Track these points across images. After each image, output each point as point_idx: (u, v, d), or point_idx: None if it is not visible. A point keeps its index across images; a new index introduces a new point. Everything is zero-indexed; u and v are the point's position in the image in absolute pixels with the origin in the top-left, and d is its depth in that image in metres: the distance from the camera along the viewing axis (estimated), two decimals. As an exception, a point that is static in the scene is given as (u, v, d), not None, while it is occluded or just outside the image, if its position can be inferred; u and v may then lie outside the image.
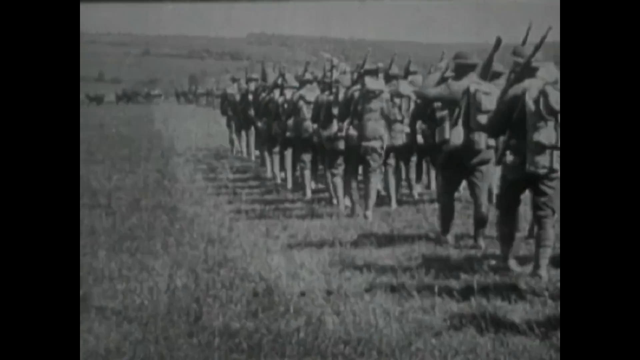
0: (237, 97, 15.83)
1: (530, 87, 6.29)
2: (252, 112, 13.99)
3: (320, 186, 11.51)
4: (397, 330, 5.16)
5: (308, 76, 11.02)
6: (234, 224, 8.94)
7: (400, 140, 9.59)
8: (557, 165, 6.20)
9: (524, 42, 6.40)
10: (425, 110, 7.97)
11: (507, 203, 6.61)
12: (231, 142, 17.08)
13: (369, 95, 8.85)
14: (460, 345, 4.88)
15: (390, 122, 8.91)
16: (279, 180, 12.45)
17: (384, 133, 8.88)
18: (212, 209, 10.15)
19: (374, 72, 9.02)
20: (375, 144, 8.90)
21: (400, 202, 9.99)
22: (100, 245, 7.63)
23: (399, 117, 9.53)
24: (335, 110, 9.38)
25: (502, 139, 6.63)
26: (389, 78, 9.47)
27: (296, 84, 11.49)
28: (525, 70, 6.35)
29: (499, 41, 6.65)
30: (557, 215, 6.31)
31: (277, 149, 12.26)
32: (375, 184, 9.10)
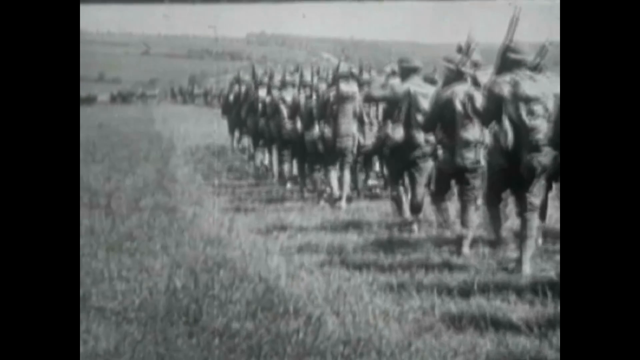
0: (231, 98, 16.50)
1: (459, 91, 7.06)
2: (243, 111, 14.77)
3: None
4: (397, 330, 5.16)
5: (290, 78, 11.72)
6: (233, 225, 8.94)
7: (370, 140, 9.99)
8: (480, 158, 7.03)
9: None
10: (393, 111, 8.23)
11: (442, 191, 7.35)
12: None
13: (342, 97, 9.61)
14: (459, 345, 4.88)
15: (362, 123, 9.57)
16: (264, 169, 13.34)
17: (356, 132, 9.64)
18: (211, 210, 10.15)
19: (346, 76, 9.77)
20: (348, 142, 9.69)
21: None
22: (100, 245, 7.63)
23: (368, 119, 9.99)
24: (315, 112, 10.14)
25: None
26: (361, 82, 9.96)
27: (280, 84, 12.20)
28: (455, 75, 7.13)
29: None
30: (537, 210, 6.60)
31: (262, 143, 13.24)
32: (348, 178, 9.93)
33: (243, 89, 15.15)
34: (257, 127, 13.02)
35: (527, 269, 6.41)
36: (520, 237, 6.53)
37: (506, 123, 6.32)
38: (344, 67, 9.86)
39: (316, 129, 10.00)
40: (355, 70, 10.18)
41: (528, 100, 6.35)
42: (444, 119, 7.17)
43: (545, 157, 6.35)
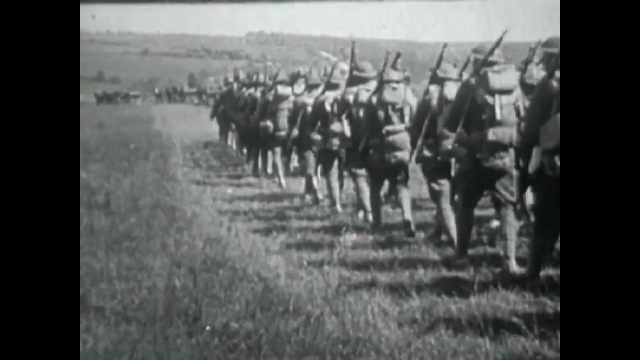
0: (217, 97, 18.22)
1: (434, 92, 7.23)
2: (233, 110, 16.25)
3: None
4: (396, 330, 5.16)
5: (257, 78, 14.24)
6: (232, 224, 8.94)
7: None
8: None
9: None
10: (342, 112, 8.85)
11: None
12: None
13: (279, 99, 11.84)
14: (459, 345, 4.88)
15: (294, 120, 10.91)
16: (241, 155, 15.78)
17: (287, 127, 11.23)
18: (210, 209, 10.16)
19: (284, 82, 12.23)
20: (283, 134, 11.56)
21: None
22: (99, 245, 7.62)
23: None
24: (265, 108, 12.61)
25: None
26: (310, 86, 10.95)
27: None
28: (434, 79, 7.41)
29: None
30: (517, 206, 6.63)
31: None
32: (280, 161, 12.25)
33: (234, 87, 16.55)
34: (240, 122, 14.80)
35: (514, 266, 6.36)
36: (500, 235, 6.54)
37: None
38: (282, 74, 12.61)
39: (267, 122, 12.31)
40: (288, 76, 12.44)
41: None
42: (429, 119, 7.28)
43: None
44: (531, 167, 5.83)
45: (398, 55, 8.09)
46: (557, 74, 5.65)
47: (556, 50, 5.74)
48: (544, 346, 4.77)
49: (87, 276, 6.46)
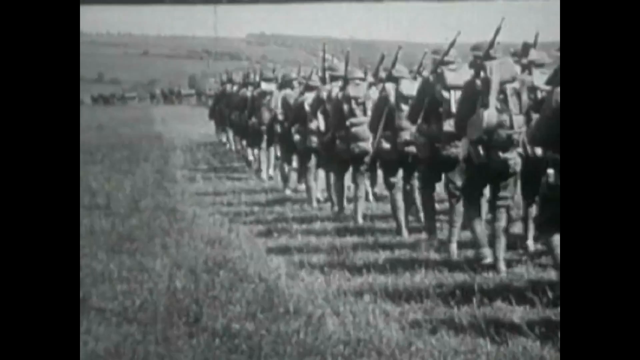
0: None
1: (390, 89, 7.87)
2: (227, 109, 17.20)
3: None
4: (397, 330, 5.16)
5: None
6: (233, 225, 8.94)
7: None
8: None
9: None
10: (317, 109, 9.62)
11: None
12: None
13: (262, 95, 12.92)
14: (460, 345, 4.87)
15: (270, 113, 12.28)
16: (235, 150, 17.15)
17: (268, 119, 12.40)
18: (211, 210, 10.16)
19: (268, 79, 13.57)
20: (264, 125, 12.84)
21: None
22: (100, 246, 7.62)
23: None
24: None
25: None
26: (284, 84, 12.09)
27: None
28: (389, 78, 8.02)
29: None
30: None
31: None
32: (267, 154, 13.41)
33: (228, 87, 17.54)
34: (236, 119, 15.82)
35: (502, 266, 6.46)
36: (491, 234, 6.71)
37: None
38: (268, 73, 14.06)
39: (252, 118, 13.63)
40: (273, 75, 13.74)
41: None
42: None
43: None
44: (460, 155, 6.81)
45: (384, 55, 8.90)
46: (482, 74, 6.41)
47: (481, 53, 6.52)
48: (545, 347, 4.77)
49: (88, 277, 6.46)
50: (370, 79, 9.14)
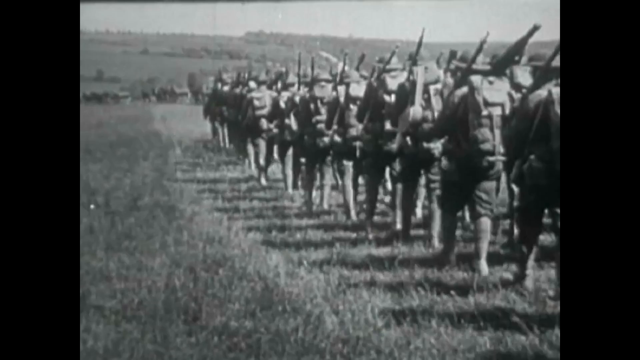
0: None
1: (341, 92, 8.97)
2: (224, 108, 17.74)
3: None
4: (396, 329, 5.16)
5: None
6: (232, 223, 8.94)
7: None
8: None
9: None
10: (290, 110, 10.73)
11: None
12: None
13: (250, 92, 13.37)
14: (459, 344, 4.88)
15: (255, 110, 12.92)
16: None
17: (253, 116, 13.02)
18: (210, 208, 10.16)
19: (255, 79, 14.12)
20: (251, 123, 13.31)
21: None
22: (99, 244, 7.62)
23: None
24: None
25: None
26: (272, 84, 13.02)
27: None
28: (340, 82, 9.09)
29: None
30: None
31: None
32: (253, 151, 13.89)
33: (225, 88, 18.19)
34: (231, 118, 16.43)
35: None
36: (428, 216, 7.69)
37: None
38: (255, 72, 15.05)
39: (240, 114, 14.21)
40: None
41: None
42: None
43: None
44: (394, 147, 7.73)
45: (364, 55, 9.86)
46: (410, 77, 7.43)
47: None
48: (544, 345, 4.77)
49: (87, 275, 6.46)
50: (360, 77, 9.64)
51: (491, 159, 6.49)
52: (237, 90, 15.59)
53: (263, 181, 12.77)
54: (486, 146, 6.45)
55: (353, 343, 4.89)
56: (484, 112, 6.42)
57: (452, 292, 5.84)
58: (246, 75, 15.50)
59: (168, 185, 12.16)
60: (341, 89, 9.09)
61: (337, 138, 9.07)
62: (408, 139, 7.48)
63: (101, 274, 6.55)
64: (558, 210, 5.83)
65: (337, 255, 7.22)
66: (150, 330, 5.17)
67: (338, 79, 9.42)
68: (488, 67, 6.63)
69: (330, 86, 9.61)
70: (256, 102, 12.92)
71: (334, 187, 10.62)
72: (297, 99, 10.54)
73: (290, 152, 11.36)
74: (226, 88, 17.60)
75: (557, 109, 5.64)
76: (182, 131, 22.80)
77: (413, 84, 7.38)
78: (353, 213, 9.20)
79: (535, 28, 5.92)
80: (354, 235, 8.20)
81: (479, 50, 6.56)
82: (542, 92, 5.79)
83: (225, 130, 18.28)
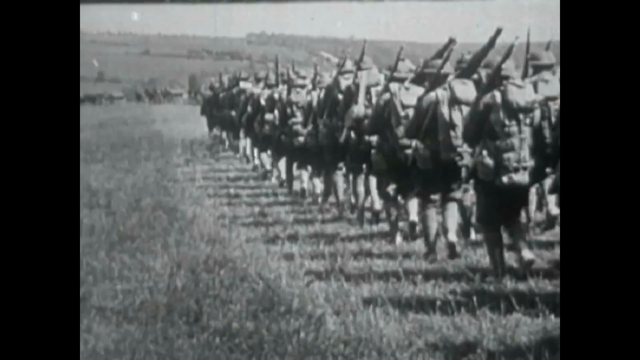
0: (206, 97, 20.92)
1: (314, 95, 9.96)
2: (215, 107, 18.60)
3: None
4: (397, 330, 5.16)
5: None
6: (233, 224, 8.93)
7: None
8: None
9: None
10: (271, 108, 11.66)
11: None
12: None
13: (240, 92, 14.24)
14: (460, 344, 4.87)
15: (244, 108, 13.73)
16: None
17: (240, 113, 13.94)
18: (211, 209, 10.15)
19: (245, 79, 14.76)
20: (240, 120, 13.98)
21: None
22: (100, 245, 7.62)
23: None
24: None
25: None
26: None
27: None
28: (313, 86, 10.18)
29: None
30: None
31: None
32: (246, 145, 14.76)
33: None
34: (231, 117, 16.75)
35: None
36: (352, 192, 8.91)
37: None
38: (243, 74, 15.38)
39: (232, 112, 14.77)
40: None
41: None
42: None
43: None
44: (341, 139, 8.75)
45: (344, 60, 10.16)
46: (350, 79, 8.67)
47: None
48: (544, 346, 4.77)
49: (88, 276, 6.46)
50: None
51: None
52: (232, 91, 16.19)
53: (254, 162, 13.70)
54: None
55: (354, 344, 4.89)
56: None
57: (454, 292, 5.83)
58: (237, 76, 16.29)
59: (169, 186, 12.16)
60: (314, 93, 10.04)
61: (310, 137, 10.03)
62: (352, 133, 8.56)
63: (103, 275, 6.55)
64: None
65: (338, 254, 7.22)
66: (152, 331, 5.17)
67: (311, 85, 10.29)
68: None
69: (304, 91, 10.54)
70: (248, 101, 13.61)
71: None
72: (276, 96, 11.45)
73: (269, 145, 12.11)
74: (221, 89, 18.33)
75: (443, 108, 6.86)
76: (184, 132, 22.79)
77: (357, 86, 8.55)
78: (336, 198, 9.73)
79: (499, 32, 6.50)
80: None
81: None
82: (432, 94, 6.91)
83: (225, 131, 18.58)
